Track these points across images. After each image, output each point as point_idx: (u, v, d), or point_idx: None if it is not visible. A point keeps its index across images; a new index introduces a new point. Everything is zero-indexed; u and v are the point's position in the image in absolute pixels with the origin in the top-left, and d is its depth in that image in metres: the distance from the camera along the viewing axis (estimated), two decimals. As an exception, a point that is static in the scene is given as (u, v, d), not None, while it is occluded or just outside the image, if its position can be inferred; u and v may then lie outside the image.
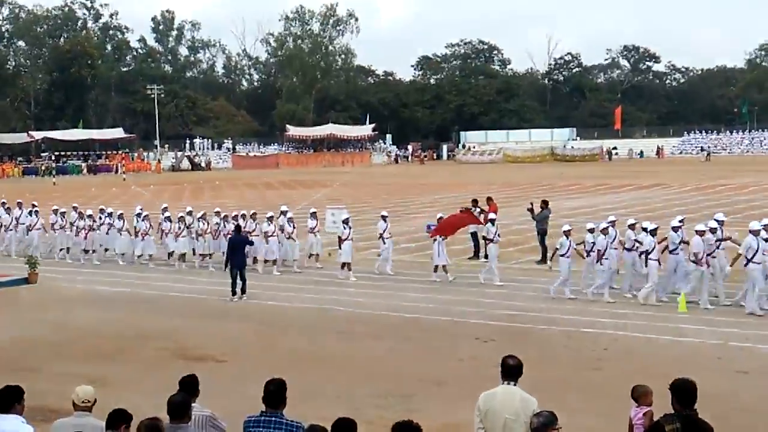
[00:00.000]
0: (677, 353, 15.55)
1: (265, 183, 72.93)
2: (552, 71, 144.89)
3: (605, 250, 20.67)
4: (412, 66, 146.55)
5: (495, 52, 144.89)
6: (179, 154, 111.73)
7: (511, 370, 8.03)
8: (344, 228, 24.74)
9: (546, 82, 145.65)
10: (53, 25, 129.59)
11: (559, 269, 21.51)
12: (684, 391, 7.10)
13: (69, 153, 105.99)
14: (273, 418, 7.43)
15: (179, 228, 27.32)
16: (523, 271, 24.93)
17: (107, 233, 28.96)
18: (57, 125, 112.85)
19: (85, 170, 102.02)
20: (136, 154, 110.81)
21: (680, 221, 21.11)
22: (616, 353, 15.70)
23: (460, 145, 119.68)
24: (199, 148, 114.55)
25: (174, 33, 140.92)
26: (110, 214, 29.26)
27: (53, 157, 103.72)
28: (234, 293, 21.80)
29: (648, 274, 20.04)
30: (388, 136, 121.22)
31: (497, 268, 23.24)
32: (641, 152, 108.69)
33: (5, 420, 7.47)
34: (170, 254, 27.73)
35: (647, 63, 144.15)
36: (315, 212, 27.70)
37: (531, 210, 27.77)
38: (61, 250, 29.87)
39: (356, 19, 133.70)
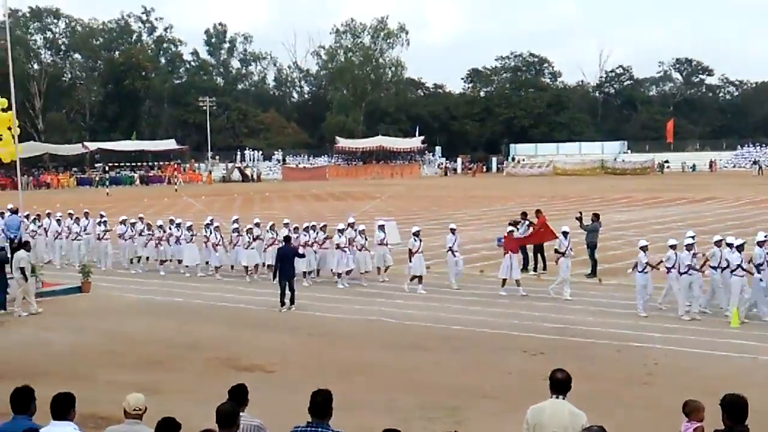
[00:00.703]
0: (728, 369, 15.33)
1: (314, 195, 73.25)
2: (603, 84, 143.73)
3: (687, 266, 20.07)
4: (462, 79, 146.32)
5: (545, 64, 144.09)
6: (230, 165, 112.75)
7: (560, 384, 7.98)
8: (414, 240, 24.57)
9: (597, 95, 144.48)
10: (108, 38, 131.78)
11: (635, 284, 20.93)
12: (735, 407, 7.03)
13: (122, 164, 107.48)
14: (319, 429, 7.45)
15: (249, 239, 27.09)
16: (572, 284, 24.68)
17: (177, 244, 28.92)
18: (111, 136, 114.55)
19: (137, 181, 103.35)
20: (187, 166, 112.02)
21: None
22: (667, 368, 15.51)
23: (510, 158, 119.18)
24: (250, 160, 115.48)
25: (226, 46, 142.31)
26: (179, 225, 29.20)
27: (107, 168, 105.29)
28: (283, 304, 21.93)
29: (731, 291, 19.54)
30: (438, 149, 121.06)
31: (568, 282, 22.83)
32: (693, 165, 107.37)
33: (60, 427, 7.61)
34: (246, 267, 27.41)
35: (700, 76, 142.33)
36: (383, 225, 27.30)
37: (579, 219, 27.60)
38: (132, 260, 30.11)
39: (407, 32, 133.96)
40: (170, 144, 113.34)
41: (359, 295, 24.09)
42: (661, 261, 20.72)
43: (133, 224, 30.19)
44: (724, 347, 16.91)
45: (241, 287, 25.98)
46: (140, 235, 29.86)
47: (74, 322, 21.17)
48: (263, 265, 27.32)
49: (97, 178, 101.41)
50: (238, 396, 8.16)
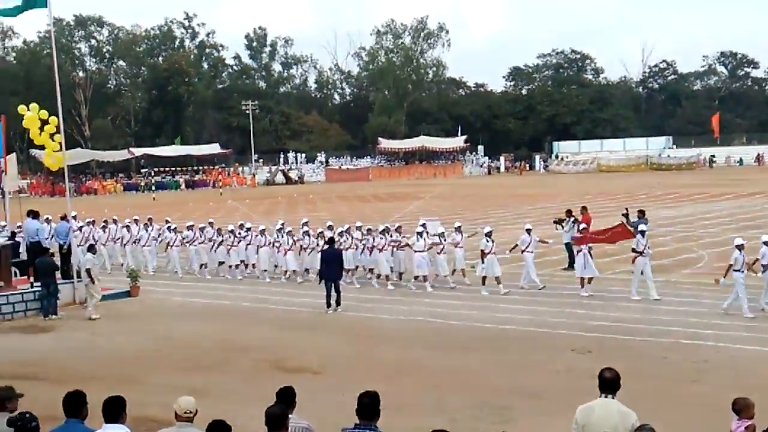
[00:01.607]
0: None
1: (358, 196, 73.41)
2: (646, 79, 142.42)
3: None
4: (504, 77, 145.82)
5: (587, 61, 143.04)
6: (273, 168, 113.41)
7: (609, 383, 7.92)
8: (487, 241, 24.14)
9: (640, 91, 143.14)
10: (152, 44, 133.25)
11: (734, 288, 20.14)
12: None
13: (167, 169, 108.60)
14: (367, 430, 7.47)
15: (317, 243, 26.66)
16: (620, 281, 24.54)
17: (246, 249, 28.58)
18: (156, 142, 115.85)
19: (183, 185, 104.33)
20: (231, 169, 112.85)
21: None
22: (717, 365, 15.34)
23: (553, 156, 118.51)
24: (293, 162, 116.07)
25: (267, 49, 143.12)
26: (249, 229, 28.89)
27: (152, 173, 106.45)
28: (329, 305, 22.01)
29: None
30: (480, 148, 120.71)
31: (652, 281, 22.02)
32: (740, 160, 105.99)
33: (112, 430, 7.70)
34: (306, 270, 27.47)
35: (745, 69, 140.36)
36: (460, 227, 26.42)
37: (626, 216, 27.45)
38: (202, 266, 29.90)
39: (447, 32, 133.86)
40: (214, 148, 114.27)
41: (405, 296, 24.11)
42: (757, 260, 20.04)
43: (201, 229, 30.02)
44: (775, 344, 16.69)
45: (288, 289, 26.11)
46: (210, 240, 29.67)
47: (124, 327, 21.42)
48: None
49: (143, 184, 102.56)
50: (286, 398, 8.20)
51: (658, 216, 38.79)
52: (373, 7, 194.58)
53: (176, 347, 18.65)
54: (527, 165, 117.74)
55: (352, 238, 26.57)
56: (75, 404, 7.88)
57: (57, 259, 25.66)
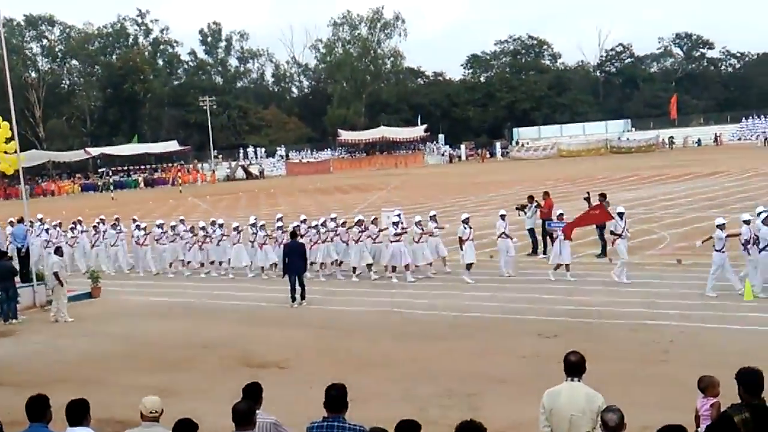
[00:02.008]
0: (745, 343, 15.25)
1: (320, 189, 73.22)
2: (604, 63, 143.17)
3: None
4: (462, 65, 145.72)
5: (545, 46, 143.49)
6: (233, 163, 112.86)
7: (574, 367, 7.91)
8: (465, 228, 24.06)
9: (598, 75, 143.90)
10: (105, 42, 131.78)
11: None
12: (751, 380, 6.97)
13: (125, 168, 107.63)
14: (335, 423, 7.41)
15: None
16: (583, 265, 24.67)
17: (218, 245, 28.32)
18: (113, 141, 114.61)
19: (142, 184, 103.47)
20: (191, 166, 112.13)
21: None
22: (683, 345, 15.45)
23: (514, 142, 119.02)
24: (253, 157, 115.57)
25: (223, 44, 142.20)
26: (221, 226, 28.70)
27: (110, 173, 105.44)
28: (294, 299, 21.91)
29: None
30: (441, 137, 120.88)
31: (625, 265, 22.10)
32: (699, 140, 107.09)
33: (77, 432, 7.60)
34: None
35: (701, 50, 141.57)
36: (435, 215, 26.43)
37: (588, 200, 27.56)
38: (172, 264, 29.56)
39: (403, 21, 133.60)
40: (172, 145, 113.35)
41: (370, 287, 24.08)
42: (710, 238, 20.22)
43: (173, 227, 29.67)
44: (740, 321, 16.84)
45: (252, 285, 25.97)
46: (181, 238, 29.30)
47: (86, 328, 21.18)
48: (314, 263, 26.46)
49: (101, 184, 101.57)
50: (253, 394, 8.13)
51: (619, 198, 38.98)
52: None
53: (140, 347, 18.47)
54: (488, 152, 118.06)
55: (328, 229, 26.29)
56: (38, 408, 7.76)
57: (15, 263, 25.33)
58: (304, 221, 27.59)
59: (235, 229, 28.16)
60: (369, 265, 25.69)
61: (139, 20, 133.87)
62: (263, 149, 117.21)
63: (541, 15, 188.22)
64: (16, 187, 79.88)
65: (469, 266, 23.85)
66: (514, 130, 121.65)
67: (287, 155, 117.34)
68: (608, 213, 23.32)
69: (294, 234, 23.84)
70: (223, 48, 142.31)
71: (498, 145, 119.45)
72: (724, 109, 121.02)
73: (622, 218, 22.55)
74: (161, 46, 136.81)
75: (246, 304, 22.90)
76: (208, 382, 15.10)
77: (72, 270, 29.84)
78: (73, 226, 32.66)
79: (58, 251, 23.92)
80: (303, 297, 22.04)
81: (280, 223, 27.84)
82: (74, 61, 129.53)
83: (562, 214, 24.33)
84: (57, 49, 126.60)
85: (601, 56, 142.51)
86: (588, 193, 28.43)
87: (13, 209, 30.03)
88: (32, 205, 29.74)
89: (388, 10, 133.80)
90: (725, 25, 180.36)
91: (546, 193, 28.97)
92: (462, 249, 23.99)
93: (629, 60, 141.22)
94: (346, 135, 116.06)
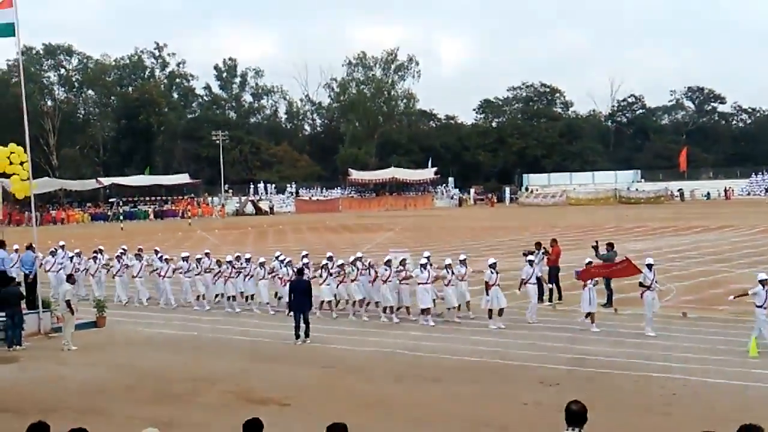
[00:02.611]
0: (747, 398, 15.19)
1: (328, 227, 73.34)
2: (615, 113, 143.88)
3: None
4: (474, 109, 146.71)
5: (557, 94, 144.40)
6: (243, 198, 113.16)
7: (575, 416, 7.92)
8: (491, 273, 23.60)
9: (609, 124, 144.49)
10: (122, 74, 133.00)
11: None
12: (752, 438, 6.97)
13: (136, 198, 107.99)
14: (336, 462, 7.41)
15: (321, 275, 26.26)
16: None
17: (245, 280, 27.78)
18: (125, 171, 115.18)
19: (152, 215, 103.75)
20: (201, 199, 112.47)
21: None
22: (685, 398, 15.39)
23: (523, 188, 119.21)
24: (263, 193, 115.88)
25: (237, 80, 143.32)
26: (248, 260, 28.18)
27: (121, 203, 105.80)
28: (297, 336, 21.89)
29: None
30: (451, 180, 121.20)
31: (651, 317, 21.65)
32: (708, 194, 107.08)
33: (75, 461, 7.62)
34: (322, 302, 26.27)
35: (712, 104, 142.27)
36: (465, 259, 25.61)
37: (596, 248, 27.58)
38: (199, 297, 28.94)
39: (417, 63, 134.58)
40: (184, 178, 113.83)
41: (374, 328, 24.03)
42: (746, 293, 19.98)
43: (198, 260, 29.18)
44: (743, 377, 16.77)
45: (256, 320, 25.96)
46: (207, 271, 28.86)
47: (90, 357, 21.18)
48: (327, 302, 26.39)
49: (110, 213, 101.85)
50: (253, 430, 8.14)
51: (627, 249, 38.94)
52: (344, 38, 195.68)
53: (142, 378, 18.45)
54: (496, 197, 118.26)
55: (358, 269, 25.84)
56: (38, 436, 7.77)
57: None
58: (330, 259, 26.85)
59: (261, 264, 27.74)
60: (391, 307, 25.20)
61: (156, 53, 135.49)
62: (273, 185, 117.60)
63: (554, 63, 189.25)
64: (24, 214, 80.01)
65: (500, 312, 23.41)
66: (524, 176, 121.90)
67: (297, 192, 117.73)
68: (635, 267, 22.70)
69: (300, 271, 23.87)
70: (237, 83, 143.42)
71: (507, 190, 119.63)
72: (733, 164, 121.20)
73: (650, 270, 22.07)
74: (177, 80, 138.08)
75: (250, 339, 22.88)
76: (209, 416, 15.08)
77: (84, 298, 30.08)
78: (95, 255, 31.95)
79: (71, 279, 23.96)
80: (307, 335, 22.01)
81: (305, 260, 27.17)
82: (90, 91, 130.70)
83: (590, 262, 23.91)
84: (74, 79, 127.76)
85: (613, 106, 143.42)
86: (596, 242, 28.46)
87: (24, 236, 30.07)
88: (41, 232, 29.81)
89: (402, 52, 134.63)
90: (737, 79, 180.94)
91: (554, 240, 29.01)
92: (488, 294, 23.56)
93: (641, 111, 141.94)
94: (356, 174, 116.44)
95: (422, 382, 17.26)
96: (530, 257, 25.22)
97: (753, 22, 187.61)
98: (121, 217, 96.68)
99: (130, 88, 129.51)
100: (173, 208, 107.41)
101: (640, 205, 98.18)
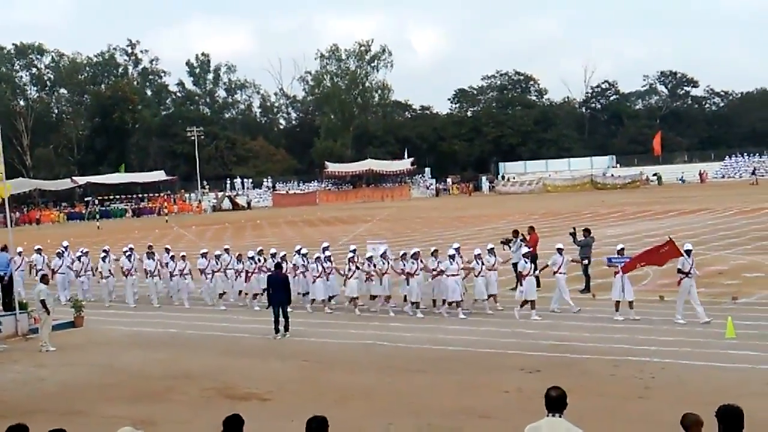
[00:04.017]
0: (725, 380, 15.30)
1: (306, 220, 73.25)
2: (589, 99, 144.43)
3: None
4: (449, 99, 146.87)
5: (531, 82, 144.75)
6: (220, 194, 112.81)
7: (555, 402, 7.94)
8: (525, 263, 23.16)
9: (583, 111, 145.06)
10: (94, 72, 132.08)
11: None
12: (731, 418, 7.01)
13: (112, 197, 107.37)
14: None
15: (350, 269, 25.43)
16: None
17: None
18: (99, 170, 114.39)
19: (129, 213, 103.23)
20: (177, 196, 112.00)
21: None
22: (664, 381, 15.48)
23: (499, 177, 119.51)
24: (240, 188, 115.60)
25: (210, 75, 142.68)
26: (273, 255, 27.01)
27: (96, 202, 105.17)
28: (277, 331, 21.86)
29: None
30: (427, 170, 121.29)
31: (698, 303, 20.88)
32: (682, 177, 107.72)
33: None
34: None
35: (685, 88, 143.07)
36: (493, 248, 25.23)
37: (573, 234, 27.69)
38: (222, 294, 27.96)
39: (390, 54, 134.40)
40: (159, 175, 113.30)
41: (354, 320, 24.03)
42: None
43: (217, 257, 28.33)
44: (720, 358, 16.89)
45: (235, 316, 25.89)
46: (228, 268, 27.94)
47: (68, 358, 21.05)
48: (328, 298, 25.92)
49: (86, 212, 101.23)
50: (233, 426, 8.10)
51: (604, 234, 39.17)
52: (317, 30, 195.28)
53: (122, 377, 18.37)
54: (473, 186, 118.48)
55: (388, 263, 25.14)
56: (16, 439, 7.72)
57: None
58: (354, 251, 26.26)
59: (282, 258, 26.86)
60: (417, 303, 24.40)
61: (129, 50, 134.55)
62: (250, 180, 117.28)
63: (528, 51, 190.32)
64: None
65: (532, 303, 22.73)
66: (500, 164, 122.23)
67: (274, 186, 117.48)
68: (678, 249, 21.74)
69: (278, 265, 23.81)
70: (211, 79, 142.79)
71: (484, 179, 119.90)
72: (708, 147, 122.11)
73: (689, 256, 21.43)
74: (150, 77, 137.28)
75: (229, 335, 22.82)
76: (189, 413, 15.03)
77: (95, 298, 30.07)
78: (105, 255, 30.69)
79: (44, 279, 23.78)
80: (286, 329, 21.97)
81: (327, 253, 26.51)
82: (63, 90, 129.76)
83: (622, 249, 23.02)
84: (46, 78, 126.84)
85: (587, 93, 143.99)
86: (574, 228, 28.56)
87: (-2, 237, 29.86)
88: (17, 233, 29.55)
89: (375, 43, 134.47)
90: (709, 63, 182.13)
91: (531, 228, 29.06)
92: (521, 285, 23.12)
93: (614, 97, 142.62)
94: (332, 167, 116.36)
95: (404, 373, 17.28)
96: (559, 245, 24.54)
97: (723, 5, 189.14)
98: (98, 216, 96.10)
99: (103, 86, 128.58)
100: (149, 205, 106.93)
101: (616, 190, 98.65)
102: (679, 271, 21.28)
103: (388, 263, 25.13)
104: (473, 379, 16.49)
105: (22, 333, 24.21)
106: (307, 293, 26.37)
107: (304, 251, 27.30)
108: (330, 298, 25.99)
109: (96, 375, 18.81)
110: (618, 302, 21.79)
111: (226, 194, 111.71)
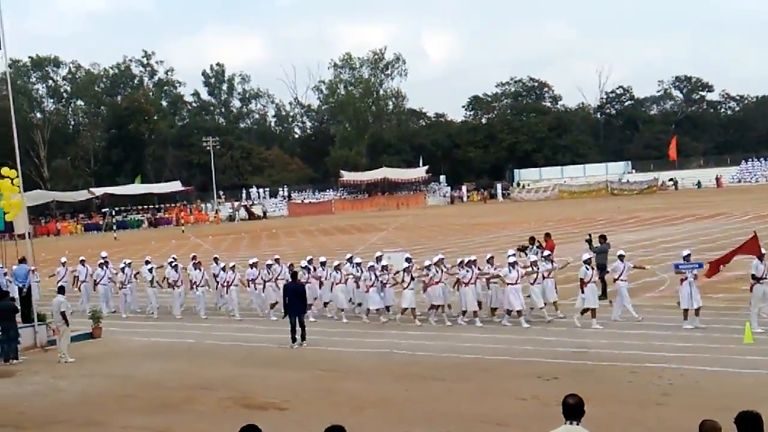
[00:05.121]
0: (744, 386, 15.22)
1: (321, 229, 73.33)
2: (604, 105, 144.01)
3: None
4: (463, 106, 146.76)
5: (545, 88, 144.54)
6: (236, 204, 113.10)
7: (572, 409, 7.91)
8: (586, 269, 22.37)
9: (598, 117, 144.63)
10: (111, 83, 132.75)
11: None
12: (750, 424, 6.97)
13: (128, 207, 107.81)
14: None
15: (403, 279, 24.70)
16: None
17: (320, 287, 26.38)
18: (116, 181, 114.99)
19: (146, 224, 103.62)
20: (193, 206, 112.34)
21: None
22: (682, 387, 15.42)
23: (515, 183, 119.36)
24: (255, 197, 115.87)
25: (225, 86, 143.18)
26: (323, 264, 26.77)
27: (113, 213, 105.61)
28: (294, 340, 21.87)
29: None
30: (442, 177, 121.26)
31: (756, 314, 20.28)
32: (699, 182, 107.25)
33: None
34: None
35: (700, 93, 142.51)
36: (549, 255, 24.79)
37: (589, 241, 27.60)
38: (274, 305, 26.79)
39: (404, 62, 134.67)
40: (175, 186, 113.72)
41: (370, 329, 24.03)
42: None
43: (269, 266, 27.58)
44: (738, 364, 16.81)
45: (252, 326, 25.93)
46: (279, 278, 26.77)
47: (87, 369, 21.14)
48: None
49: (103, 223, 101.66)
50: (251, 436, 8.10)
51: (620, 240, 39.01)
52: (331, 40, 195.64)
53: (140, 388, 18.43)
54: (488, 193, 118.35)
55: (442, 271, 24.43)
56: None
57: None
58: (409, 260, 25.52)
59: (335, 267, 26.31)
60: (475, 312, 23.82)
61: (144, 61, 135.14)
62: (266, 190, 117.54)
63: (541, 57, 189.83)
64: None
65: (593, 312, 22.04)
66: (515, 171, 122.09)
67: (290, 196, 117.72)
68: (758, 247, 21.00)
69: (294, 275, 23.82)
70: (225, 89, 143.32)
71: (499, 186, 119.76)
72: (723, 152, 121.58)
73: (762, 261, 20.52)
74: (165, 87, 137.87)
75: (246, 345, 22.86)
76: (207, 423, 15.06)
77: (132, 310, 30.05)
78: (149, 265, 30.23)
79: (62, 291, 23.90)
80: (303, 338, 21.99)
81: (384, 262, 26.06)
82: (79, 102, 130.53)
83: (689, 255, 22.15)
84: (62, 90, 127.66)
85: (602, 98, 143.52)
86: (590, 235, 28.49)
87: (18, 249, 29.93)
88: (35, 245, 29.67)
89: (389, 51, 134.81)
90: (724, 68, 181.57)
91: (547, 235, 29.01)
92: (583, 292, 22.40)
93: (629, 102, 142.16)
94: (348, 176, 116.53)
95: (420, 381, 17.27)
96: (620, 252, 23.97)
97: (737, 9, 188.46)
98: (115, 227, 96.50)
99: (119, 98, 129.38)
100: (166, 216, 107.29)
101: (632, 195, 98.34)
102: (753, 277, 20.51)
103: (442, 272, 24.49)
104: (490, 386, 16.46)
105: (41, 344, 24.34)
106: (360, 303, 26.03)
107: (357, 260, 26.67)
108: (387, 308, 25.38)
109: (114, 386, 18.87)
110: (686, 311, 21.01)
111: (242, 204, 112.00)
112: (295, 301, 22.13)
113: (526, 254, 27.89)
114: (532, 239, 28.49)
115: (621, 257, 23.33)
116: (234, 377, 18.79)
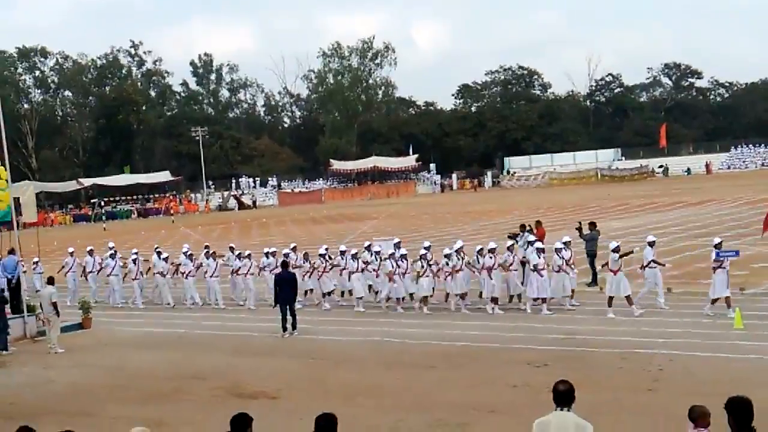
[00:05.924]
0: (734, 372, 15.27)
1: (312, 218, 73.27)
2: (593, 93, 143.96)
3: None
4: (453, 95, 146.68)
5: (535, 76, 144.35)
6: (225, 193, 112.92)
7: (563, 396, 7.91)
8: (615, 257, 21.86)
9: (588, 104, 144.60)
10: (98, 74, 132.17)
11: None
12: (740, 410, 6.96)
13: (117, 198, 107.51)
14: (326, 453, 7.35)
15: (422, 266, 24.40)
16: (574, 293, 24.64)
17: (341, 275, 26.31)
18: (105, 171, 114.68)
19: (135, 214, 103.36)
20: (183, 196, 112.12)
21: None
22: (672, 373, 15.46)
23: (505, 171, 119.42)
24: (245, 187, 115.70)
25: (214, 75, 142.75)
26: (343, 253, 26.36)
27: (102, 203, 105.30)
28: (284, 329, 21.85)
29: None
30: (432, 166, 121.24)
31: None
32: (688, 169, 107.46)
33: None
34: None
35: (689, 80, 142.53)
36: (569, 241, 24.28)
37: (579, 229, 27.62)
38: (306, 292, 27.02)
39: (393, 51, 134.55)
40: (165, 176, 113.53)
41: (362, 317, 24.04)
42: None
43: (285, 256, 26.54)
44: (728, 349, 16.86)
45: (242, 315, 25.90)
46: (296, 267, 26.14)
47: (77, 359, 21.09)
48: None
49: (93, 214, 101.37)
50: (240, 425, 8.10)
51: (610, 227, 39.11)
52: (319, 28, 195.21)
53: (130, 378, 18.40)
54: (478, 181, 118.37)
55: (462, 259, 24.15)
56: (25, 441, 7.73)
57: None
58: (428, 248, 25.09)
59: (354, 256, 26.15)
60: (510, 297, 23.99)
61: (132, 51, 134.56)
62: (255, 179, 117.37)
63: (531, 45, 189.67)
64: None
65: (629, 299, 21.46)
66: (505, 159, 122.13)
67: (279, 185, 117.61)
68: None
69: (285, 264, 23.78)
70: (214, 79, 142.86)
71: (489, 174, 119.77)
72: (713, 138, 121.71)
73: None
74: (153, 77, 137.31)
75: (237, 334, 22.84)
76: (198, 413, 15.04)
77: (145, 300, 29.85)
78: (159, 254, 30.26)
79: (51, 281, 23.81)
80: (294, 327, 21.98)
81: (402, 250, 25.89)
82: (67, 92, 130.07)
83: (720, 243, 21.58)
84: (50, 80, 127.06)
85: (591, 86, 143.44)
86: (579, 222, 28.51)
87: (4, 241, 29.81)
88: (23, 236, 29.54)
89: (378, 40, 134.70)
90: (713, 54, 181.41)
91: (538, 222, 29.02)
92: (606, 281, 22.31)
93: (619, 89, 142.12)
94: (337, 165, 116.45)
95: (411, 369, 17.28)
96: (650, 237, 23.49)
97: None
98: (104, 217, 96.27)
99: (107, 88, 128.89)
100: (155, 206, 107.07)
101: (623, 182, 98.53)
102: None
103: (463, 259, 24.23)
104: (481, 374, 16.47)
105: (31, 335, 24.29)
106: (378, 291, 25.91)
107: (376, 248, 26.54)
108: (411, 296, 25.22)
109: (105, 376, 18.84)
110: (728, 298, 20.54)
111: (232, 193, 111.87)
112: (286, 290, 22.10)
113: (517, 241, 27.89)
114: (522, 227, 28.48)
115: (651, 244, 22.78)
116: (225, 367, 18.77)
